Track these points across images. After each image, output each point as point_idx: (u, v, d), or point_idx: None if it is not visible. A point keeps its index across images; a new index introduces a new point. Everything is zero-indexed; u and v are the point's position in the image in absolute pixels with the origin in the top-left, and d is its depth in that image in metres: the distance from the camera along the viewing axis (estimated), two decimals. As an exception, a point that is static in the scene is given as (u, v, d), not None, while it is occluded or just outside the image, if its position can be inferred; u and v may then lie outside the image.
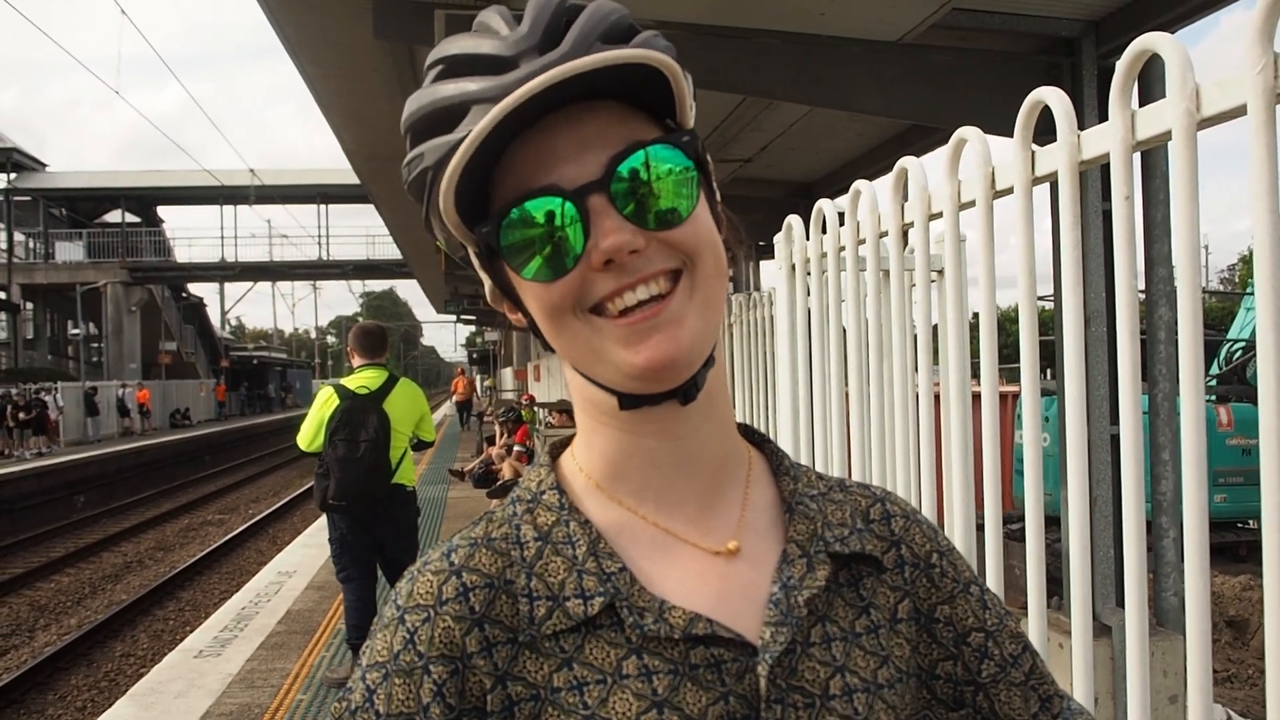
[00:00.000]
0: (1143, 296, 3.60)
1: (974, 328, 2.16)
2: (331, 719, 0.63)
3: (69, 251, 35.73)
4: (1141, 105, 1.43)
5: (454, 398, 26.45)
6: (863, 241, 2.38)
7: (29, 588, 11.06)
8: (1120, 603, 3.41)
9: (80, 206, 36.73)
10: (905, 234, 2.21)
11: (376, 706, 0.61)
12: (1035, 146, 1.67)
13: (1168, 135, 1.35)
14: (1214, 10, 3.67)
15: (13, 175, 33.67)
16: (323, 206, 37.11)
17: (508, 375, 27.10)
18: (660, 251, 0.60)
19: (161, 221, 39.64)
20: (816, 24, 3.93)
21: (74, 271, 33.75)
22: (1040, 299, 1.80)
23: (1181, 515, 2.29)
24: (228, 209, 36.55)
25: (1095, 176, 3.61)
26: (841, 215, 2.47)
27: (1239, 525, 9.32)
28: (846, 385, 2.58)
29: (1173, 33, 1.69)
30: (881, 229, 2.27)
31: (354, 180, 11.06)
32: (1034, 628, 1.70)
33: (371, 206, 12.42)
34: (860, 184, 2.37)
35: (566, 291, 0.60)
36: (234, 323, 79.75)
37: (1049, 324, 3.84)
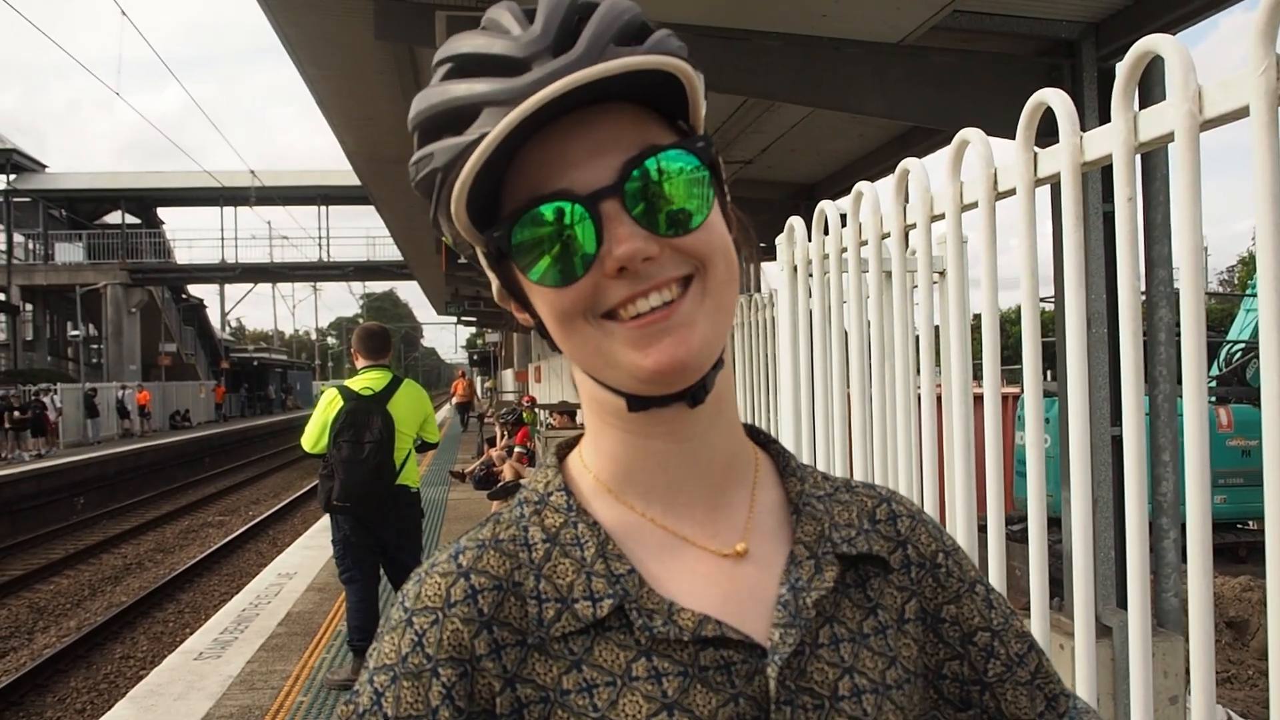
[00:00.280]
0: (1142, 298, 3.59)
1: (975, 329, 2.16)
2: None
3: (69, 253, 35.71)
4: (1140, 108, 1.43)
5: (454, 399, 26.45)
6: (865, 243, 2.38)
7: (28, 590, 11.05)
8: (1121, 604, 3.41)
9: (80, 208, 36.71)
10: (907, 235, 2.21)
11: (385, 709, 0.61)
12: (1037, 148, 1.67)
13: (1170, 137, 1.35)
14: (1213, 13, 3.68)
15: (12, 176, 33.65)
16: (323, 208, 37.12)
17: (508, 377, 27.10)
18: (673, 258, 0.60)
19: (161, 223, 39.63)
20: (817, 25, 3.93)
21: (74, 273, 33.73)
22: (1040, 300, 1.80)
23: (1182, 516, 2.29)
24: (228, 210, 36.55)
25: (1095, 179, 3.61)
26: (843, 217, 2.48)
27: (1239, 526, 9.33)
28: (848, 387, 2.58)
29: (1173, 35, 1.69)
30: (883, 230, 2.27)
31: (354, 182, 11.06)
32: (1036, 629, 1.70)
33: (372, 208, 12.41)
34: (862, 185, 2.38)
35: (578, 297, 0.60)
36: (234, 324, 79.83)
37: (1049, 325, 3.84)
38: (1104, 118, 1.47)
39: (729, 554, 0.67)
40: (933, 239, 2.11)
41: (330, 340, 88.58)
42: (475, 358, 51.32)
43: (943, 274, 2.45)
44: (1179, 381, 1.72)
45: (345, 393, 4.69)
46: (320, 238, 37.11)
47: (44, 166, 37.01)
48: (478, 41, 0.61)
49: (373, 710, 0.61)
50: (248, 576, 9.90)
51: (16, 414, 21.42)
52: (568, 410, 10.47)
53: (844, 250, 2.48)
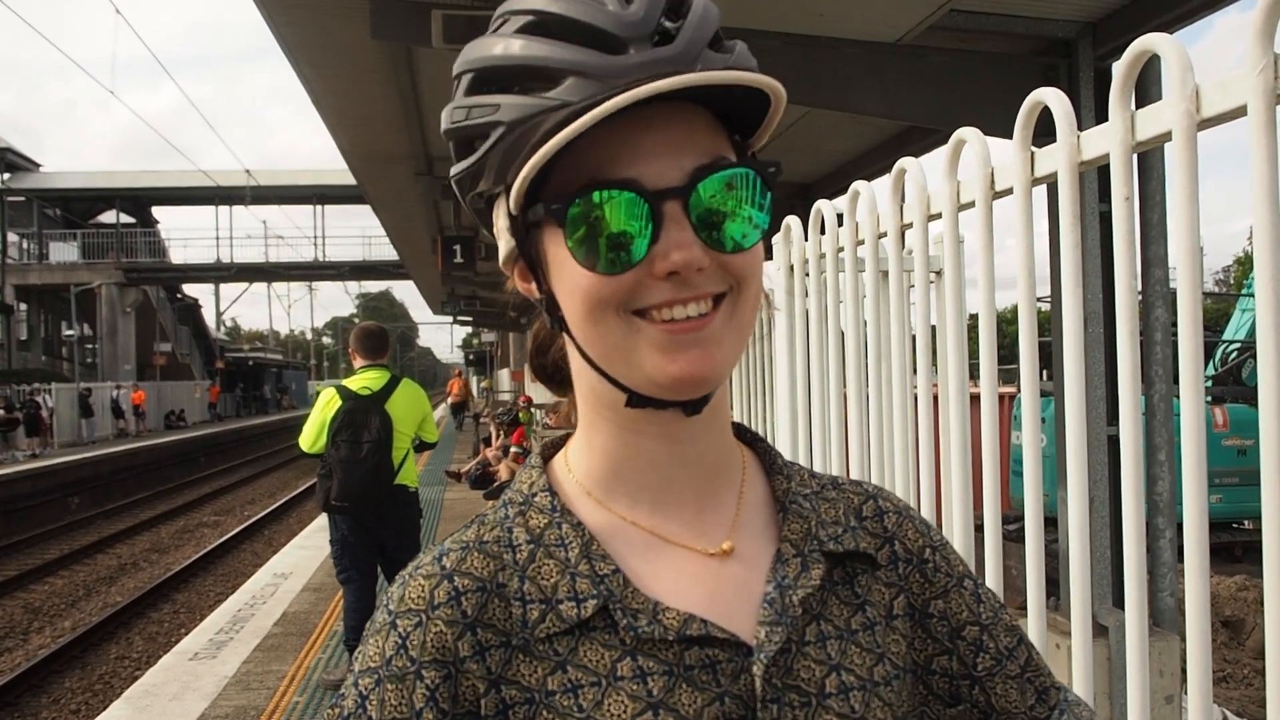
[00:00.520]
0: (1139, 298, 3.60)
1: (972, 328, 2.16)
2: None
3: (63, 252, 35.62)
4: (1136, 107, 1.43)
5: (449, 399, 26.46)
6: (861, 242, 2.38)
7: (23, 590, 11.01)
8: (1117, 603, 3.41)
9: (75, 207, 36.64)
10: (904, 235, 2.21)
11: (369, 712, 0.60)
12: (1034, 148, 1.67)
13: (1167, 136, 1.35)
14: (1210, 13, 3.69)
15: (6, 175, 33.54)
16: (319, 207, 37.09)
17: (504, 376, 27.07)
18: (717, 273, 0.60)
19: (156, 222, 39.59)
20: (816, 25, 3.93)
21: (68, 272, 33.64)
22: (1037, 300, 1.80)
23: (1178, 516, 2.28)
24: (223, 210, 36.50)
25: (1092, 178, 3.61)
26: (840, 216, 2.47)
27: (1234, 526, 9.37)
28: (845, 386, 2.58)
29: (1170, 34, 1.69)
30: (880, 230, 2.27)
31: (350, 181, 11.03)
32: (1033, 628, 1.70)
33: (368, 208, 12.38)
34: (859, 185, 2.37)
35: (619, 288, 0.59)
36: (229, 324, 79.59)
37: (1046, 325, 3.85)
38: (1101, 117, 1.47)
39: (715, 553, 0.67)
40: (930, 239, 2.11)
41: (326, 340, 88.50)
42: (471, 357, 51.27)
43: (939, 274, 2.44)
44: (1175, 381, 1.72)
45: (343, 392, 4.68)
46: (316, 237, 37.08)
47: (38, 165, 36.89)
48: (571, 5, 0.59)
49: (359, 713, 0.61)
50: (243, 577, 9.87)
51: (3, 413, 21.30)
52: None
53: (841, 250, 2.48)
